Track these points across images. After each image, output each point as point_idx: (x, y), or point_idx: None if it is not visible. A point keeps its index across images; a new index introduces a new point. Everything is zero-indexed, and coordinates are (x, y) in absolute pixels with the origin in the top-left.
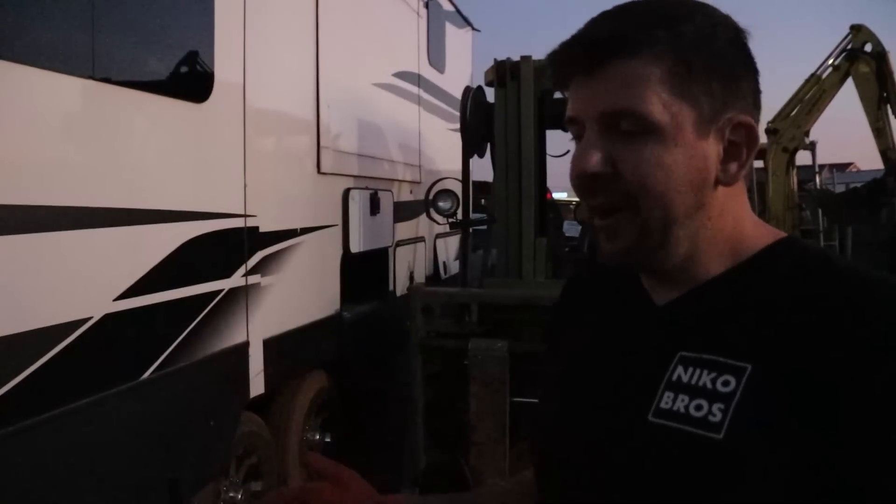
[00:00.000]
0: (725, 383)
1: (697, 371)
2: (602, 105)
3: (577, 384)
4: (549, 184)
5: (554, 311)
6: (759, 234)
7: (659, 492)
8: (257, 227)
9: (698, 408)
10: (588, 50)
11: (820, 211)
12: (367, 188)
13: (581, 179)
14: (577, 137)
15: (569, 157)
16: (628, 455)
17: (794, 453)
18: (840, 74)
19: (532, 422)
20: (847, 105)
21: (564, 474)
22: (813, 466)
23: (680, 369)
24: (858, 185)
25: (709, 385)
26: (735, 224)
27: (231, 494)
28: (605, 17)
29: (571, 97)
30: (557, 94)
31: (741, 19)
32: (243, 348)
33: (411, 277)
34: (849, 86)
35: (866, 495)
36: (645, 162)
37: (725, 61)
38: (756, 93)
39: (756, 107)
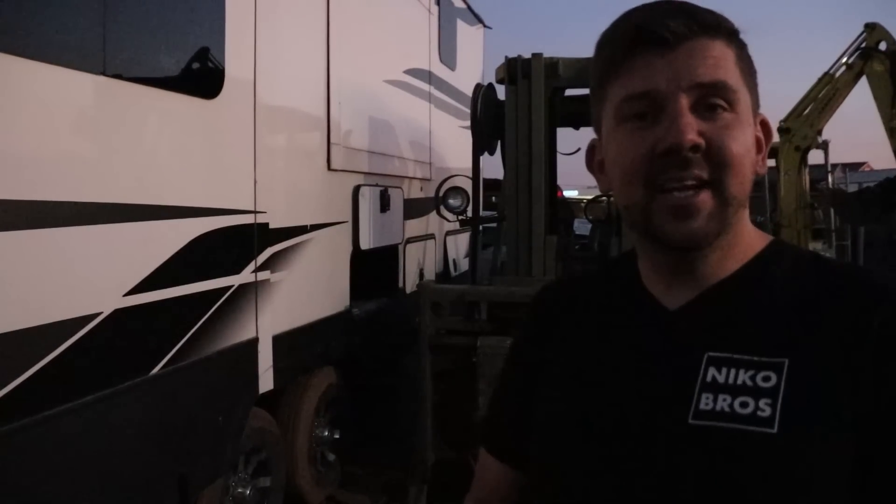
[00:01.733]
0: (766, 379)
1: (733, 370)
2: (695, 77)
3: (594, 396)
4: (560, 182)
5: (528, 324)
6: (755, 234)
7: (712, 493)
8: (267, 224)
9: (744, 405)
10: (680, 22)
11: (832, 210)
12: (377, 185)
13: (675, 154)
14: (643, 116)
15: (579, 156)
16: (674, 460)
17: (847, 434)
18: (854, 73)
19: (539, 442)
20: (860, 104)
21: (594, 492)
22: (866, 443)
23: (713, 370)
24: (871, 184)
25: (749, 382)
26: (748, 220)
27: (240, 490)
28: (669, 2)
29: (641, 72)
30: (569, 92)
31: (756, 17)
32: (253, 344)
33: (421, 274)
34: (862, 84)
35: None
36: (733, 138)
37: (754, 66)
38: None
39: None
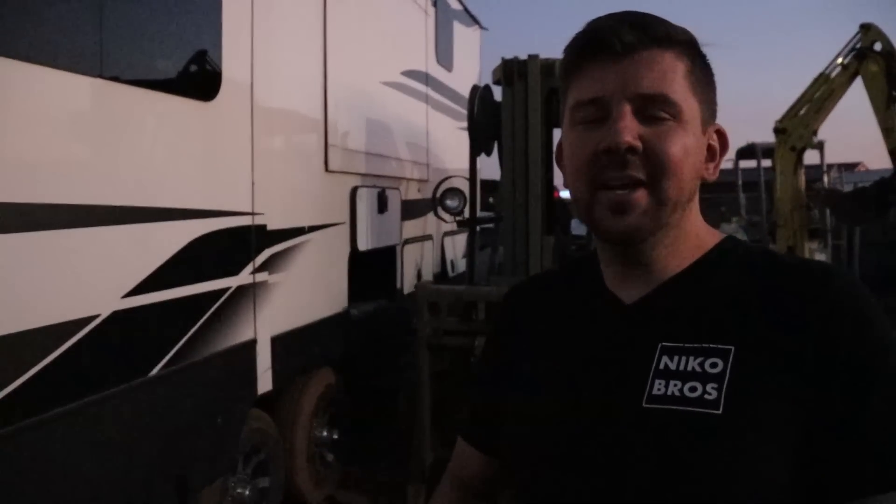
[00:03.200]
0: (713, 365)
1: (683, 358)
2: (639, 87)
3: (556, 387)
4: (557, 182)
5: (499, 321)
6: (707, 232)
7: (663, 471)
8: (265, 225)
9: (692, 389)
10: (630, 32)
11: (828, 210)
12: (374, 186)
13: (613, 154)
14: (592, 119)
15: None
16: (627, 441)
17: (785, 417)
18: (849, 73)
19: (508, 429)
20: (856, 104)
21: (558, 473)
22: (803, 425)
23: (665, 359)
24: (867, 184)
25: (698, 368)
26: (697, 220)
27: (239, 491)
28: (628, 14)
29: (593, 78)
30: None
31: (750, 21)
32: (251, 345)
33: (419, 275)
34: (858, 85)
35: (853, 422)
36: (672, 143)
37: (711, 78)
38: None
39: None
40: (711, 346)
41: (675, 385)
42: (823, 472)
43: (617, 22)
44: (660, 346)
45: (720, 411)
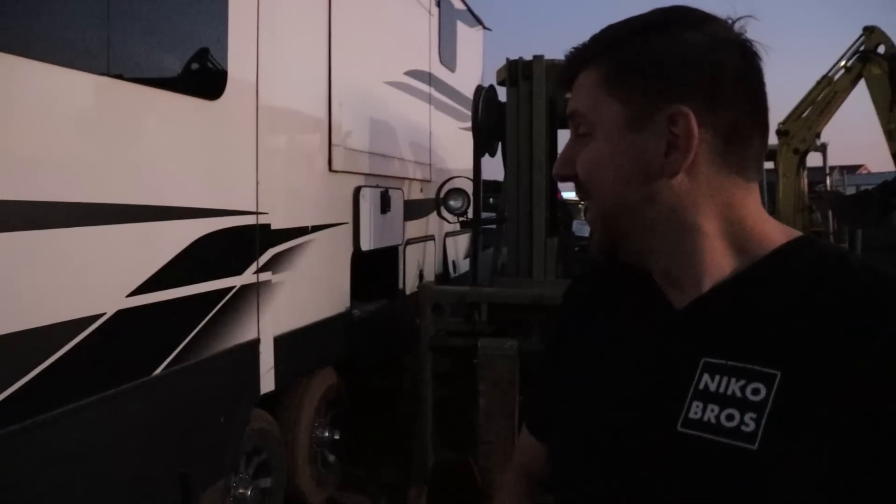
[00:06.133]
0: (755, 391)
1: (725, 379)
2: (567, 110)
3: (600, 393)
4: (560, 184)
5: (561, 314)
6: (768, 232)
7: (693, 501)
8: (269, 225)
9: (730, 417)
10: (568, 67)
11: (830, 213)
12: (377, 186)
13: (557, 181)
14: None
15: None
16: (658, 467)
17: (828, 460)
18: (852, 76)
19: (552, 432)
20: (859, 107)
21: (591, 487)
22: (848, 471)
23: (706, 377)
24: (869, 187)
25: (738, 393)
26: (730, 220)
27: (241, 491)
28: (590, 38)
29: None
30: (569, 95)
31: (756, 24)
32: (254, 345)
33: (421, 276)
34: (861, 87)
35: None
36: (586, 160)
37: (648, 67)
38: (714, 89)
39: (713, 102)
40: (756, 368)
41: (713, 410)
42: None
43: (570, 54)
44: (703, 361)
45: (756, 446)
